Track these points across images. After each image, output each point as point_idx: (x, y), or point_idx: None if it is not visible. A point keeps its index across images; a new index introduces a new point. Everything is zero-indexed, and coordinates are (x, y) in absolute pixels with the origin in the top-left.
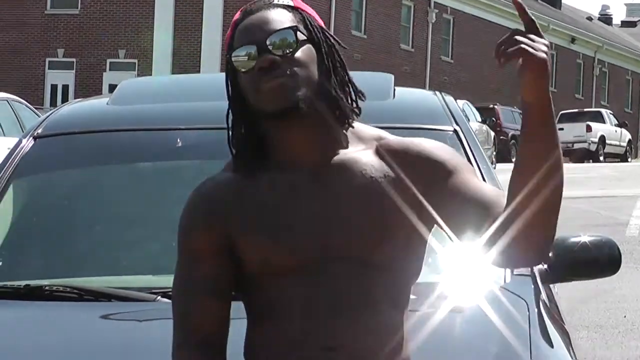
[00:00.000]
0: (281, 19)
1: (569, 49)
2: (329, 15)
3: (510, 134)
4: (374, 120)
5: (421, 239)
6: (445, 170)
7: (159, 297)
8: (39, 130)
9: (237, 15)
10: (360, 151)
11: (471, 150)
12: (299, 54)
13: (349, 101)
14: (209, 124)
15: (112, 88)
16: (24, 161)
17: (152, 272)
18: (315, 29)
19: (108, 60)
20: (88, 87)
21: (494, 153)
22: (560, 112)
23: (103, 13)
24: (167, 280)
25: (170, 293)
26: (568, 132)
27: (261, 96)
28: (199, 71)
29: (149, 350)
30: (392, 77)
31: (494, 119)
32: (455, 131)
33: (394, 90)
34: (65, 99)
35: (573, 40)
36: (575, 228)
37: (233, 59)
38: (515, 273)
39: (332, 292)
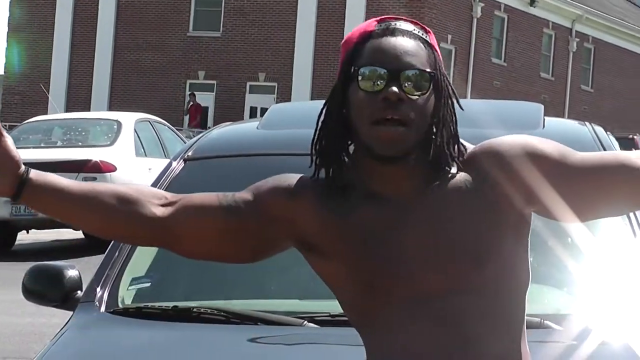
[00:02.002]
0: (421, 56)
1: None
2: (469, 42)
3: None
4: None
5: (524, 249)
6: (554, 161)
7: (305, 322)
8: (190, 153)
9: (373, 26)
10: (453, 176)
11: None
12: (423, 101)
13: (452, 154)
14: None
15: (252, 111)
16: (174, 183)
17: (298, 296)
18: (443, 78)
19: (248, 83)
20: (228, 109)
21: None
22: None
23: (244, 36)
24: (314, 305)
25: (317, 318)
26: None
27: (376, 135)
28: None
29: None
30: (542, 107)
31: (633, 149)
32: None
33: (544, 120)
34: (204, 121)
35: None
36: None
37: (360, 73)
38: None
39: (436, 326)
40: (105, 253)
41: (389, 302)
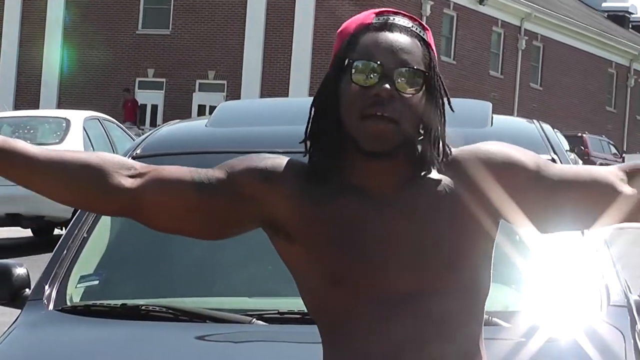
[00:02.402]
0: (416, 54)
1: None
2: None
3: (598, 163)
4: None
5: (490, 254)
6: (531, 173)
7: (254, 320)
8: (138, 151)
9: (371, 18)
10: (434, 178)
11: None
12: (415, 99)
13: (437, 156)
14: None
15: (201, 109)
16: None
17: (247, 294)
18: (437, 78)
19: (197, 81)
20: (177, 107)
21: None
22: None
23: (194, 34)
24: (263, 303)
25: (265, 316)
26: None
27: (364, 129)
28: (287, 94)
29: None
30: (490, 105)
31: (582, 147)
32: (553, 160)
33: (492, 118)
34: (153, 119)
35: None
36: None
37: (354, 65)
38: (610, 304)
39: (403, 325)
40: (54, 251)
41: (355, 296)
